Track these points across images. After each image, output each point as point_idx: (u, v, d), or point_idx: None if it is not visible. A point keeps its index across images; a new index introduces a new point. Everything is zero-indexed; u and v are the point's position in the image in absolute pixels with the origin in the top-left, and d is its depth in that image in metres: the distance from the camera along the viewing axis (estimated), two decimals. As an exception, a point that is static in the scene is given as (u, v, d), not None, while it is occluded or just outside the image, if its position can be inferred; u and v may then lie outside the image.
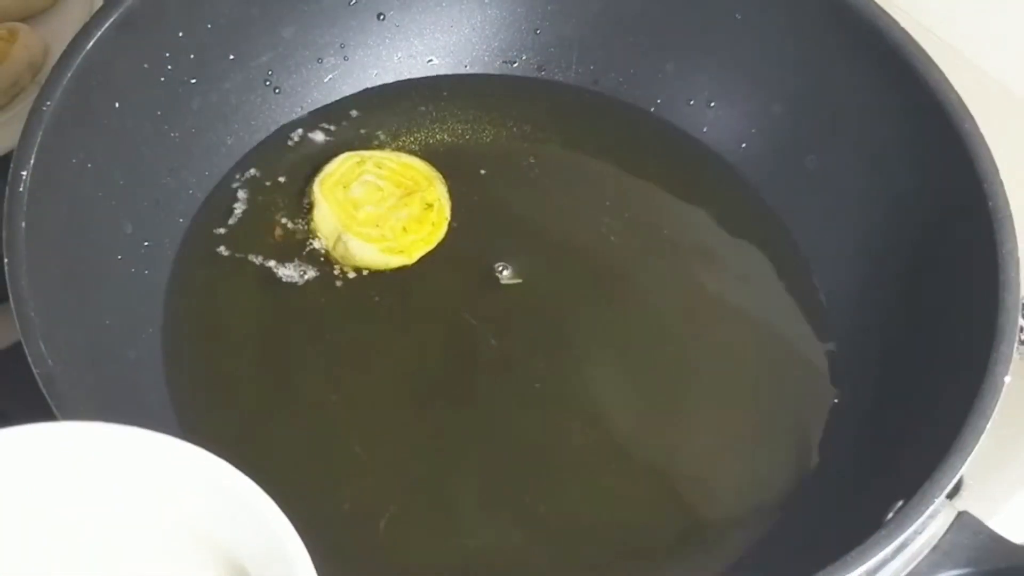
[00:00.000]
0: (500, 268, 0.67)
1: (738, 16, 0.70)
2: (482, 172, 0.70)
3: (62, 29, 0.74)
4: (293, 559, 0.40)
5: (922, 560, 0.52)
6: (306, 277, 0.65)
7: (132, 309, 0.63)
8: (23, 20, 0.75)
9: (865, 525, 0.51)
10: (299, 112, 0.71)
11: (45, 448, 0.42)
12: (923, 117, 0.63)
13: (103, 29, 0.60)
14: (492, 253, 0.68)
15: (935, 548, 0.52)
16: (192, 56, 0.66)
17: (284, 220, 0.67)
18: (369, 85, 0.73)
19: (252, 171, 0.69)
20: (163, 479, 0.42)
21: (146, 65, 0.64)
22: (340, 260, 0.66)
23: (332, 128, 0.71)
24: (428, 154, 0.70)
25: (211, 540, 0.43)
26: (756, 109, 0.71)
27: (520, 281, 0.67)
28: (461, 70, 0.74)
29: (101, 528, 0.43)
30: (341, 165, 0.68)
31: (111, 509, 0.43)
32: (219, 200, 0.67)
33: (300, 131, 0.70)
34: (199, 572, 0.43)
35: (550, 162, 0.72)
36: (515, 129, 0.72)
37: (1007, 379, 0.54)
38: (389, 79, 0.73)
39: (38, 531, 0.43)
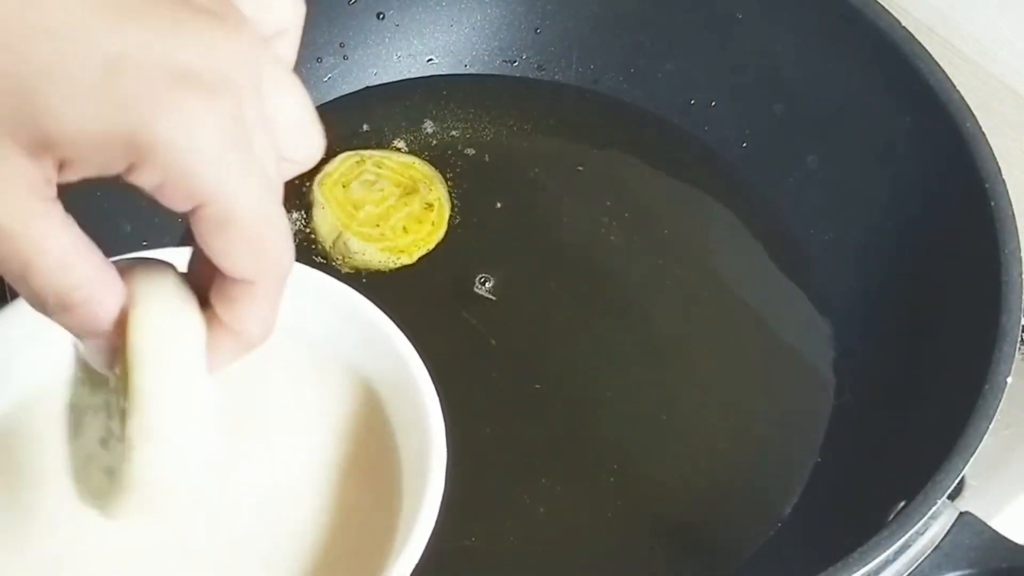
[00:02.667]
0: (500, 268, 0.67)
1: (738, 16, 0.70)
2: (482, 172, 0.70)
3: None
4: (418, 382, 0.42)
5: (924, 561, 0.52)
6: (305, 277, 0.65)
7: (131, 309, 0.63)
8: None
9: (867, 526, 0.51)
10: (298, 112, 0.71)
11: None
12: (925, 116, 0.63)
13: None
14: (492, 253, 0.67)
15: (937, 548, 0.52)
16: (191, 55, 0.66)
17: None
18: (369, 84, 0.73)
19: (251, 171, 0.68)
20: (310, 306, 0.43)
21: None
22: (340, 260, 0.66)
23: (332, 127, 0.70)
24: (428, 154, 0.70)
25: (345, 360, 0.43)
26: (756, 109, 0.71)
27: (520, 281, 0.67)
28: (461, 70, 0.74)
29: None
30: (341, 165, 0.68)
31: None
32: (218, 200, 0.67)
33: (299, 131, 0.70)
34: (333, 384, 0.44)
35: (550, 162, 0.71)
36: (515, 129, 0.72)
37: (1009, 380, 0.54)
38: (389, 78, 0.73)
39: None
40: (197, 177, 0.30)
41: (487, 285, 0.66)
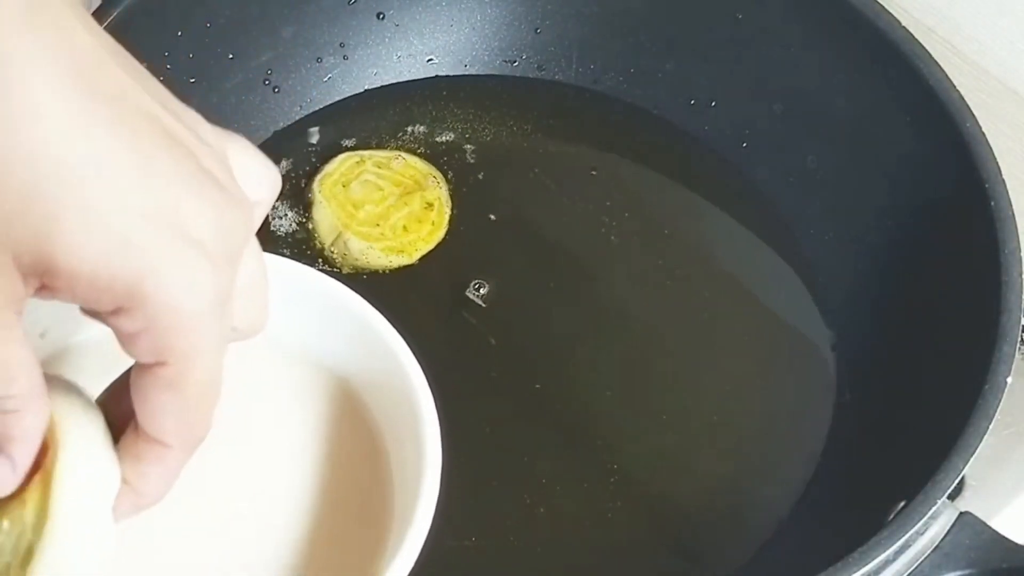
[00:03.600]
0: (500, 268, 0.67)
1: (738, 16, 0.70)
2: (482, 171, 0.70)
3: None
4: (412, 381, 0.40)
5: (924, 561, 0.52)
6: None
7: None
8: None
9: (867, 526, 0.51)
10: (299, 112, 0.71)
11: None
12: (924, 117, 0.63)
13: (102, 28, 0.60)
14: (492, 253, 0.68)
15: (937, 548, 0.52)
16: (191, 55, 0.66)
17: (284, 219, 0.67)
18: (369, 85, 0.73)
19: (251, 171, 0.68)
20: (299, 305, 0.42)
21: (144, 64, 0.63)
22: (340, 259, 0.66)
23: (332, 128, 0.71)
24: (428, 153, 0.70)
25: (333, 362, 0.42)
26: (756, 109, 0.71)
27: (520, 281, 0.67)
28: (461, 70, 0.74)
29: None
30: (341, 164, 0.68)
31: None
32: (218, 200, 0.67)
33: (300, 131, 0.70)
34: (318, 387, 0.43)
35: (550, 162, 0.71)
36: (515, 129, 0.72)
37: (1009, 380, 0.54)
38: (389, 79, 0.73)
39: None
40: (176, 338, 0.31)
41: (486, 285, 0.66)
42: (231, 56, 0.68)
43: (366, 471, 0.42)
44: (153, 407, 0.33)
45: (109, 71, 0.32)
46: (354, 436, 0.42)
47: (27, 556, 0.33)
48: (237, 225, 0.33)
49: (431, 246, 0.67)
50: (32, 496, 0.33)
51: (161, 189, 0.31)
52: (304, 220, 0.67)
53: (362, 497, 0.42)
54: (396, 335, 0.41)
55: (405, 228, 0.67)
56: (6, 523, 0.34)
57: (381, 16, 0.72)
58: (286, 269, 0.42)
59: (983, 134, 0.61)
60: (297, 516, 0.41)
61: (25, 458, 0.32)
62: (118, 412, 0.35)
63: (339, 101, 0.71)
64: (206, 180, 0.32)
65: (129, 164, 0.30)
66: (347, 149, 0.69)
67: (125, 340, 0.32)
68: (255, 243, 0.35)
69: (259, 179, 0.36)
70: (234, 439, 0.42)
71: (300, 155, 0.69)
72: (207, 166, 0.33)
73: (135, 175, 0.31)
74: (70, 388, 0.35)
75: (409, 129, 0.71)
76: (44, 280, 0.31)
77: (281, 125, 0.70)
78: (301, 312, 0.42)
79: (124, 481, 0.34)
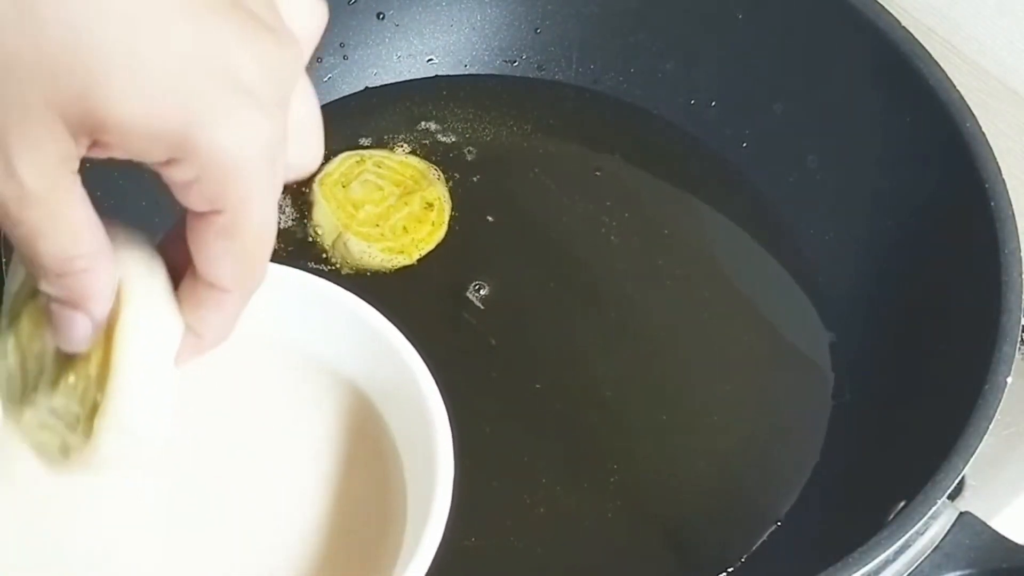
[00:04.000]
0: (500, 268, 0.67)
1: (739, 16, 0.70)
2: (482, 172, 0.70)
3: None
4: (423, 389, 0.40)
5: (924, 561, 0.52)
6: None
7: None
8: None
9: (867, 526, 0.51)
10: (298, 112, 0.71)
11: None
12: (925, 117, 0.63)
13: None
14: (492, 253, 0.68)
15: (937, 548, 0.52)
16: (191, 55, 0.66)
17: (284, 219, 0.67)
18: (369, 85, 0.73)
19: (251, 171, 0.68)
20: (310, 313, 0.41)
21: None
22: (340, 260, 0.66)
23: (332, 128, 0.70)
24: (428, 154, 0.70)
25: (345, 370, 0.42)
26: (756, 109, 0.71)
27: (520, 281, 0.67)
28: (461, 70, 0.74)
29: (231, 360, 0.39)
30: (341, 164, 0.68)
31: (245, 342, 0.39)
32: (218, 200, 0.67)
33: (299, 131, 0.70)
34: (331, 395, 0.42)
35: (550, 162, 0.71)
36: (515, 129, 0.72)
37: (1009, 380, 0.54)
38: (389, 79, 0.73)
39: None
40: (229, 186, 0.31)
41: (486, 285, 0.66)
42: (231, 56, 0.68)
43: (380, 478, 0.42)
44: (210, 254, 0.33)
45: None
46: (368, 443, 0.42)
47: (93, 409, 0.35)
48: (286, 67, 0.32)
49: (431, 246, 0.67)
50: (96, 351, 0.34)
51: (208, 35, 0.30)
52: (304, 220, 0.67)
53: (376, 504, 0.42)
54: (406, 342, 0.41)
55: (405, 228, 0.67)
56: (72, 378, 0.35)
57: (381, 16, 0.72)
58: (295, 278, 0.42)
59: (983, 134, 0.61)
60: (312, 522, 0.41)
61: (102, 314, 0.33)
62: (176, 258, 0.35)
63: (339, 101, 0.71)
64: (253, 23, 0.31)
65: (174, 9, 0.30)
66: (347, 149, 0.69)
67: (179, 190, 0.32)
68: (306, 81, 0.34)
69: (306, 12, 0.35)
70: (248, 446, 0.42)
71: (300, 155, 0.69)
72: (252, 7, 0.32)
73: (181, 22, 0.30)
74: (131, 238, 0.35)
75: (409, 129, 0.71)
76: (95, 136, 0.30)
77: (281, 125, 0.70)
78: (313, 320, 0.42)
79: (186, 327, 0.35)
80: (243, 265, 0.33)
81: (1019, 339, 0.55)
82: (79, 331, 0.34)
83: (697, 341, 0.66)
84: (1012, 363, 0.54)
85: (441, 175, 0.69)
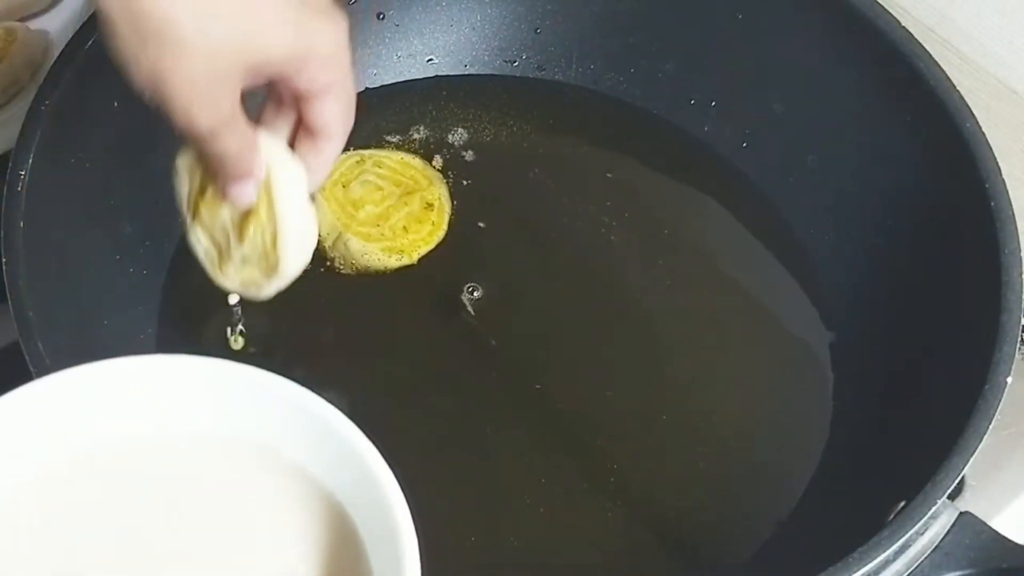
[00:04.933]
0: (500, 268, 0.67)
1: (738, 16, 0.70)
2: (482, 172, 0.70)
3: (61, 28, 0.74)
4: (389, 499, 0.41)
5: (924, 560, 0.52)
6: (306, 277, 0.65)
7: (130, 309, 0.63)
8: (22, 19, 0.75)
9: (867, 526, 0.51)
10: (298, 112, 0.71)
11: (141, 379, 0.44)
12: (925, 117, 0.63)
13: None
14: (492, 253, 0.68)
15: (937, 548, 0.52)
16: (191, 55, 0.66)
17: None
18: (369, 85, 0.73)
19: (251, 171, 0.68)
20: (264, 415, 0.43)
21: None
22: (340, 260, 0.66)
23: (332, 128, 0.70)
24: (428, 154, 0.70)
25: (318, 479, 0.43)
26: (756, 109, 0.71)
27: (520, 281, 0.67)
28: (461, 70, 0.74)
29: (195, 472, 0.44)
30: (341, 164, 0.68)
31: (209, 445, 0.44)
32: (218, 200, 0.67)
33: (299, 131, 0.70)
34: (306, 503, 0.43)
35: (550, 162, 0.72)
36: (515, 129, 0.72)
37: (1009, 380, 0.54)
38: (389, 79, 0.73)
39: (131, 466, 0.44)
40: (337, 68, 0.51)
41: (486, 285, 0.66)
42: (231, 56, 0.68)
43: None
44: (327, 114, 0.52)
45: None
46: (341, 552, 0.43)
47: (273, 241, 0.53)
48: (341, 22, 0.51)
49: (431, 246, 0.67)
50: (261, 203, 0.53)
51: None
52: (304, 220, 0.67)
53: None
54: (372, 449, 0.42)
55: (405, 228, 0.67)
56: (251, 228, 0.53)
57: (381, 16, 0.72)
58: (279, 387, 0.43)
59: (983, 134, 0.61)
60: None
61: (261, 172, 0.52)
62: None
63: (339, 101, 0.71)
64: None
65: None
66: (347, 149, 0.69)
67: (305, 84, 0.50)
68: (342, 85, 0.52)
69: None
70: (224, 547, 0.43)
71: (300, 155, 0.69)
72: None
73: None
74: (264, 133, 0.52)
75: (409, 129, 0.71)
76: (254, 73, 0.49)
77: (281, 125, 0.70)
78: (294, 427, 0.43)
79: (309, 169, 0.53)
80: (348, 114, 0.53)
81: (1019, 339, 0.55)
82: (248, 189, 0.52)
83: (697, 341, 0.66)
84: (1012, 363, 0.54)
85: (441, 175, 0.69)
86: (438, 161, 0.70)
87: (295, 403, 0.43)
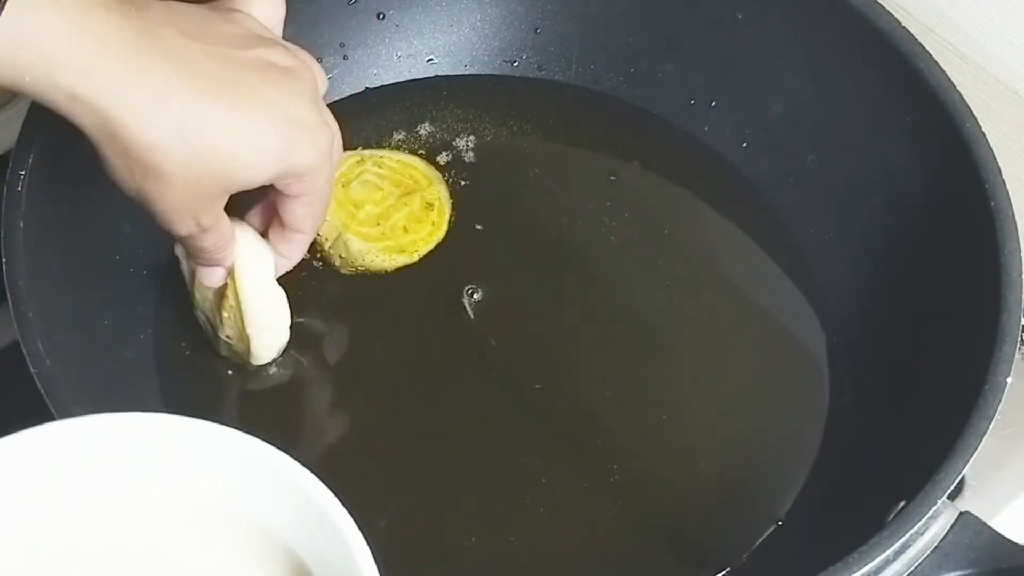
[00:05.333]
0: (500, 267, 0.67)
1: (738, 16, 0.70)
2: (482, 172, 0.70)
3: (61, 28, 0.73)
4: (356, 558, 0.40)
5: (924, 561, 0.52)
6: (306, 276, 0.65)
7: (130, 309, 0.63)
8: (21, 19, 0.75)
9: (867, 526, 0.51)
10: (298, 112, 0.71)
11: (96, 439, 0.43)
12: (925, 117, 0.63)
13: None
14: (492, 252, 0.68)
15: (937, 549, 0.52)
16: (191, 55, 0.66)
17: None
18: (369, 85, 0.73)
19: (251, 171, 0.68)
20: (220, 469, 0.43)
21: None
22: (340, 260, 0.66)
23: (331, 128, 0.70)
24: (428, 153, 0.70)
25: (264, 531, 0.43)
26: (756, 109, 0.71)
27: (519, 281, 0.67)
28: (461, 70, 0.74)
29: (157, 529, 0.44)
30: (341, 164, 0.67)
31: (170, 505, 0.43)
32: (218, 200, 0.67)
33: (299, 131, 0.70)
34: (257, 565, 0.43)
35: (550, 162, 0.72)
36: (515, 129, 0.72)
37: (1009, 380, 0.54)
38: (389, 79, 0.73)
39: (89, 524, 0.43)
40: (315, 180, 0.54)
41: (486, 285, 0.66)
42: (231, 56, 0.68)
43: None
44: (298, 215, 0.56)
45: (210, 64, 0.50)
46: None
47: (242, 323, 0.59)
48: (308, 90, 0.53)
49: (431, 246, 0.67)
50: (230, 288, 0.58)
51: (272, 105, 0.51)
52: (304, 220, 0.67)
53: None
54: (350, 522, 0.41)
55: (405, 228, 0.67)
56: (224, 311, 0.59)
57: (381, 16, 0.72)
58: (249, 447, 0.42)
59: (983, 134, 0.61)
60: None
61: (230, 262, 0.57)
62: (259, 223, 0.59)
63: (339, 101, 0.71)
64: (283, 76, 0.52)
65: (256, 111, 0.51)
66: (347, 149, 0.69)
67: (282, 188, 0.54)
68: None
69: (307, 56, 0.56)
70: None
71: (300, 155, 0.69)
72: (275, 60, 0.52)
73: (258, 114, 0.51)
74: (239, 223, 0.57)
75: (409, 129, 0.71)
76: (236, 191, 0.52)
77: (281, 125, 0.70)
78: (258, 486, 0.43)
79: (278, 254, 0.58)
80: (317, 218, 0.57)
81: (1019, 339, 0.55)
82: (217, 274, 0.58)
83: (697, 341, 0.66)
84: (1012, 363, 0.54)
85: (441, 175, 0.69)
86: (438, 161, 0.70)
87: (260, 461, 0.42)
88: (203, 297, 0.60)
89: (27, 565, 0.42)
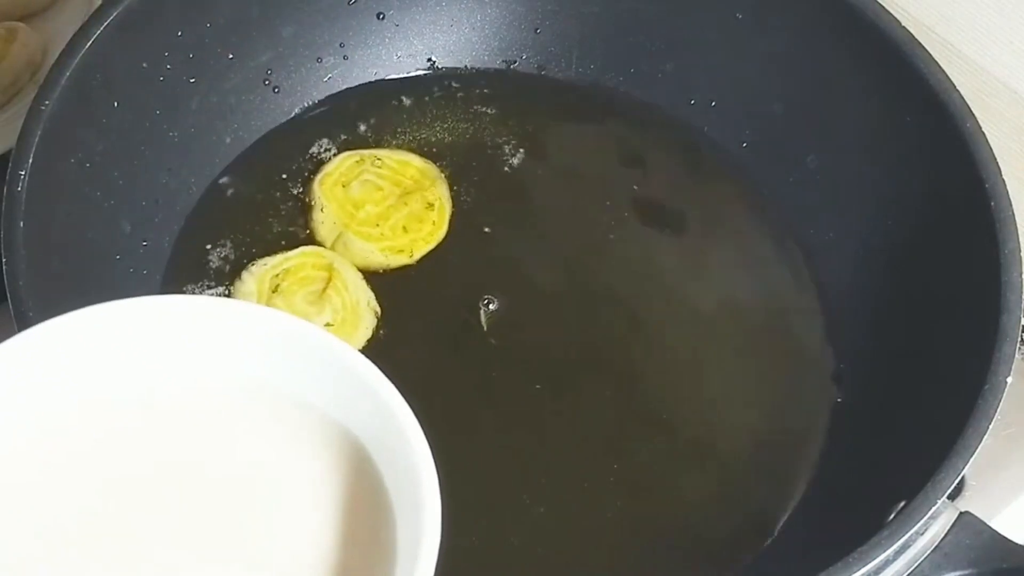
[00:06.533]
0: (500, 267, 0.67)
1: (738, 16, 0.70)
2: (482, 171, 0.70)
3: (61, 28, 0.74)
4: (406, 430, 0.40)
5: (924, 561, 0.52)
6: (305, 277, 0.65)
7: (131, 309, 0.63)
8: (22, 19, 0.75)
9: (867, 526, 0.51)
10: (298, 111, 0.71)
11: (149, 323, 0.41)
12: (925, 117, 0.63)
13: (102, 28, 0.60)
14: (492, 252, 0.68)
15: (937, 549, 0.52)
16: (191, 55, 0.66)
17: (284, 220, 0.67)
18: (369, 84, 0.73)
19: (251, 171, 0.68)
20: (296, 362, 0.42)
21: (145, 64, 0.64)
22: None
23: (332, 128, 0.71)
24: (428, 153, 0.70)
25: (332, 416, 0.42)
26: (756, 109, 0.71)
27: (519, 280, 0.67)
28: (461, 70, 0.74)
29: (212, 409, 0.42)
30: (341, 164, 0.68)
31: (226, 383, 0.42)
32: (218, 200, 0.67)
33: (300, 130, 0.70)
34: (318, 447, 0.42)
35: (550, 162, 0.71)
36: (515, 129, 0.72)
37: (1009, 380, 0.54)
38: (389, 78, 0.73)
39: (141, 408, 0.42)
40: None
41: (486, 285, 0.66)
42: (231, 56, 0.68)
43: (371, 529, 0.42)
44: None
45: None
46: (361, 493, 0.42)
47: None
48: None
49: (431, 246, 0.67)
50: None
51: None
52: (304, 220, 0.67)
53: (366, 558, 0.42)
54: (391, 387, 0.41)
55: (405, 228, 0.67)
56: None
57: (381, 16, 0.72)
58: (288, 324, 0.41)
59: (983, 134, 0.61)
60: (304, 563, 0.41)
61: None
62: None
63: (339, 101, 0.71)
64: None
65: None
66: (347, 149, 0.69)
67: None
68: None
69: None
70: (242, 489, 0.42)
71: (300, 155, 0.69)
72: None
73: None
74: None
75: (409, 129, 0.71)
76: None
77: (281, 125, 0.70)
78: (308, 369, 0.42)
79: None
80: None
81: (1019, 339, 0.55)
82: None
83: (697, 340, 0.66)
84: (1012, 363, 0.54)
85: (441, 175, 0.69)
86: (438, 160, 0.70)
87: (313, 345, 0.41)
88: None
89: (68, 453, 0.41)
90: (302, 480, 0.42)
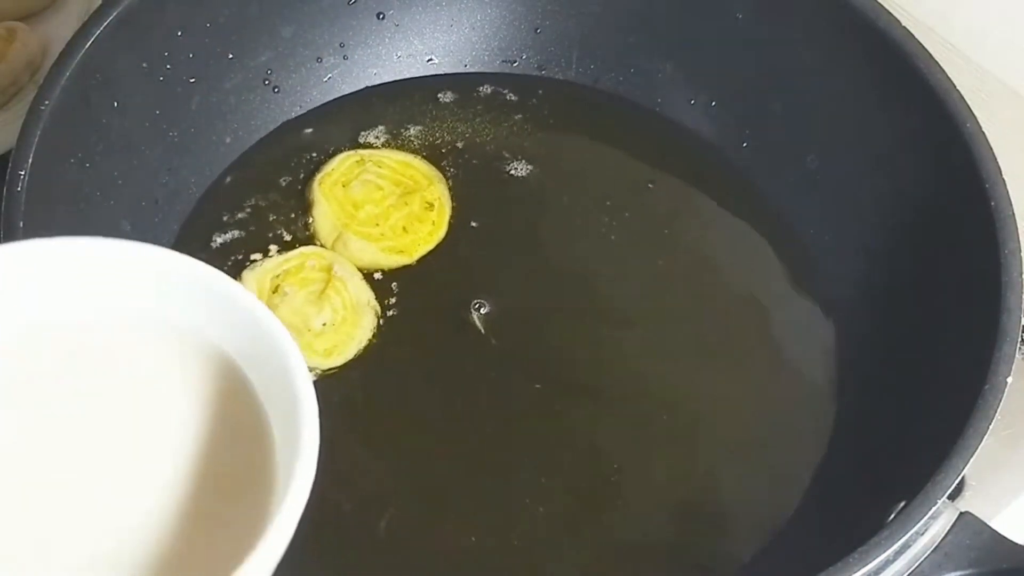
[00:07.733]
0: (500, 267, 0.67)
1: (738, 16, 0.70)
2: (482, 171, 0.70)
3: (60, 28, 0.73)
4: (285, 353, 0.41)
5: (924, 561, 0.52)
6: (305, 277, 0.65)
7: (131, 309, 0.63)
8: (21, 19, 0.75)
9: (867, 526, 0.51)
10: (299, 111, 0.71)
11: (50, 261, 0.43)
12: (925, 117, 0.63)
13: (102, 28, 0.60)
14: (492, 252, 0.67)
15: (937, 549, 0.52)
16: (191, 55, 0.66)
17: (284, 219, 0.67)
18: (369, 84, 0.73)
19: (251, 171, 0.68)
20: (150, 283, 0.43)
21: (145, 64, 0.64)
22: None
23: (332, 127, 0.71)
24: (428, 153, 0.70)
25: (207, 341, 0.43)
26: (756, 109, 0.71)
27: (519, 280, 0.67)
28: (461, 69, 0.74)
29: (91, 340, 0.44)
30: (341, 164, 0.68)
31: (105, 317, 0.43)
32: (218, 200, 0.67)
33: (300, 130, 0.70)
34: (196, 367, 0.43)
35: (550, 162, 0.71)
36: (515, 129, 0.72)
37: (1009, 380, 0.54)
38: (389, 78, 0.73)
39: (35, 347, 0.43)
40: None
41: (486, 285, 0.66)
42: (231, 56, 0.68)
43: (248, 451, 0.42)
44: None
45: None
46: (239, 416, 0.43)
47: None
48: None
49: (431, 246, 0.67)
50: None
51: None
52: (304, 220, 0.67)
53: (245, 478, 0.42)
54: (265, 309, 0.42)
55: (405, 228, 0.67)
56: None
57: (381, 16, 0.72)
58: (162, 256, 0.43)
59: (983, 134, 0.61)
60: (174, 491, 0.42)
61: None
62: None
63: (339, 101, 0.71)
64: None
65: None
66: (347, 149, 0.69)
67: None
68: None
69: None
70: (118, 410, 0.43)
71: (300, 155, 0.69)
72: None
73: None
74: None
75: (409, 129, 0.71)
76: None
77: (281, 125, 0.70)
78: (183, 296, 0.43)
79: None
80: None
81: (1019, 339, 0.55)
82: None
83: (697, 341, 0.66)
84: (1012, 363, 0.54)
85: (441, 175, 0.69)
86: (438, 161, 0.70)
87: (182, 272, 0.42)
88: None
89: None
90: (184, 401, 0.43)
